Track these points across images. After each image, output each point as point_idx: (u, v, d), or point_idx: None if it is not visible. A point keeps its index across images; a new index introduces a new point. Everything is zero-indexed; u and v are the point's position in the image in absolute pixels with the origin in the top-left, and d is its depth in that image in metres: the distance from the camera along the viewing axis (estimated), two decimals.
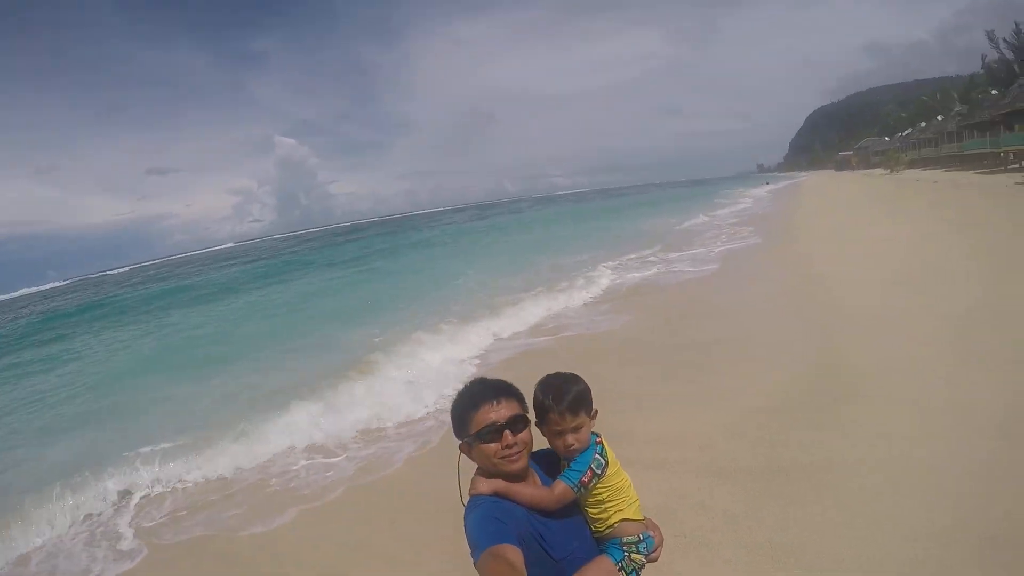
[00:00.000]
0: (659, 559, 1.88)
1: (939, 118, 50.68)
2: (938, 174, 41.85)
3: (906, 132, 64.33)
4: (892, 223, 20.05)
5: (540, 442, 1.87)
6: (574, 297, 13.73)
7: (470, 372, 8.66)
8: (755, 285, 13.27)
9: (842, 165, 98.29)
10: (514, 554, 1.49)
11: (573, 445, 1.79)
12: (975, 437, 4.75)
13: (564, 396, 1.79)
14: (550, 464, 1.92)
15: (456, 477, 1.89)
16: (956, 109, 45.13)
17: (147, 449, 7.15)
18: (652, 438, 5.65)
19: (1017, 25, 37.50)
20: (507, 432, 1.73)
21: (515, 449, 1.74)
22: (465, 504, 1.77)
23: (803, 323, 9.07)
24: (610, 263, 19.17)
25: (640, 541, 1.84)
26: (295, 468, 6.50)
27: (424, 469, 5.98)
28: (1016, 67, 36.93)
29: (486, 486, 1.73)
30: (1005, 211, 19.33)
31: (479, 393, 1.80)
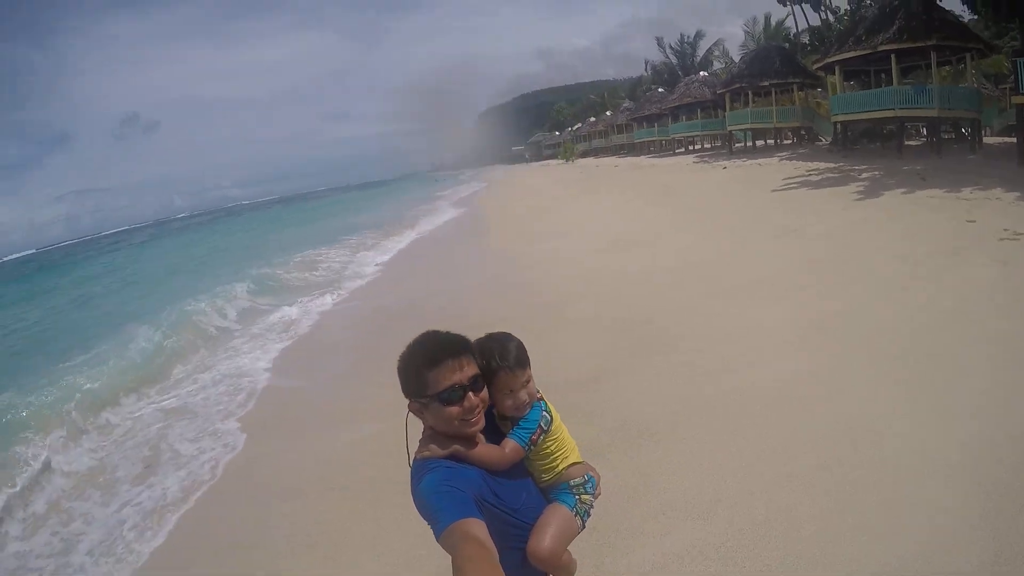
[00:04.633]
0: (601, 494, 1.90)
1: (608, 113, 58.09)
2: (615, 160, 47.08)
3: (576, 126, 72.63)
4: (605, 201, 21.20)
5: None
6: None
7: None
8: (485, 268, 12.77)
9: (515, 159, 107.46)
10: (481, 529, 1.41)
11: (526, 400, 1.74)
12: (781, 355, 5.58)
13: (509, 353, 1.73)
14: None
15: (404, 438, 1.74)
16: (625, 105, 51.89)
17: None
18: None
19: (681, 35, 46.65)
20: (470, 393, 1.61)
21: (477, 410, 1.64)
22: (411, 465, 1.68)
23: (583, 297, 8.82)
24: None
25: (586, 482, 1.86)
26: None
27: None
28: (679, 70, 43.80)
29: (441, 450, 1.62)
30: (697, 181, 22.55)
31: (438, 350, 1.62)
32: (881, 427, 4.05)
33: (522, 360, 1.73)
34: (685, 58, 44.99)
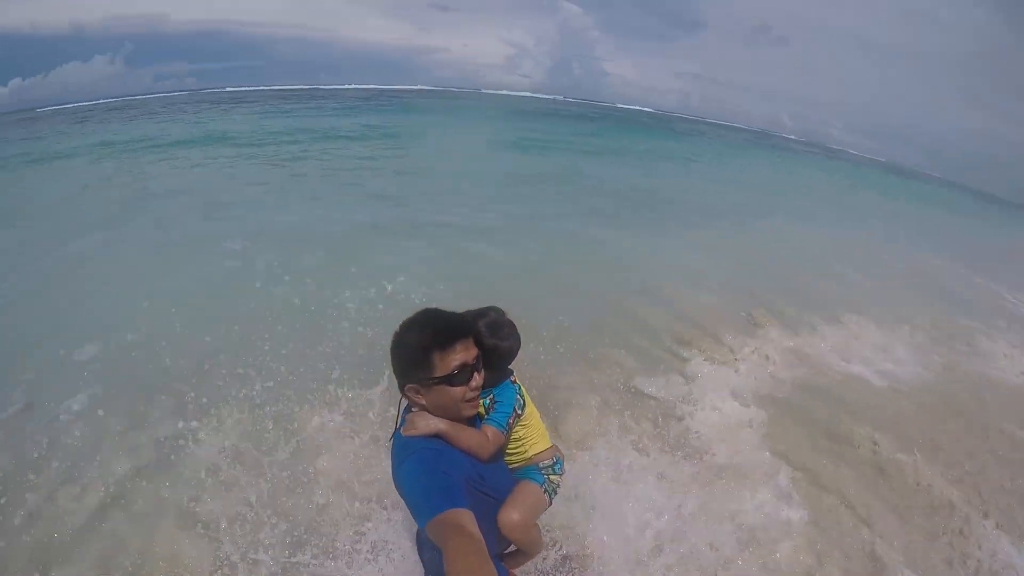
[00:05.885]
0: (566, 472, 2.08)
1: None
2: None
3: None
4: None
5: None
6: None
7: None
8: None
9: None
10: (468, 519, 1.44)
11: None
12: None
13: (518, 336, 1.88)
14: None
15: (395, 419, 1.77)
16: None
17: None
18: None
19: None
20: (476, 373, 1.67)
21: (479, 391, 1.72)
22: (391, 441, 1.70)
23: None
24: None
25: (554, 463, 2.00)
26: None
27: None
28: None
29: (427, 425, 1.65)
30: None
31: (448, 330, 1.64)
32: None
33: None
34: None
